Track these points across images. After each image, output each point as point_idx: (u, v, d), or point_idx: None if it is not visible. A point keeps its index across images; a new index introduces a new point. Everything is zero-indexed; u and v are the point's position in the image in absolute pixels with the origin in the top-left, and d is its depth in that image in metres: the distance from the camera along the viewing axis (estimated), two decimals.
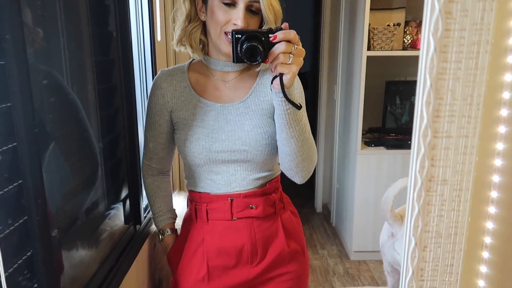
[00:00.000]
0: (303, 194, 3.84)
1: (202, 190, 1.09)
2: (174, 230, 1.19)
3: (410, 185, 0.45)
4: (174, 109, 1.09)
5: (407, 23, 2.75)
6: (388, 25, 2.67)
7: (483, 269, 0.47)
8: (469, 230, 0.46)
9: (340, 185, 3.19)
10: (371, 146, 2.75)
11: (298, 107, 0.91)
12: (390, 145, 2.70)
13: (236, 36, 0.87)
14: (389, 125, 2.79)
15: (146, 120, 1.14)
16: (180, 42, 1.07)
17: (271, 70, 0.87)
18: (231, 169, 1.06)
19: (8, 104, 0.76)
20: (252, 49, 0.84)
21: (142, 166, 1.20)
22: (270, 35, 0.86)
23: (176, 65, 1.15)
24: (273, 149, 1.05)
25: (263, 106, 1.06)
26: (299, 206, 3.67)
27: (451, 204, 0.45)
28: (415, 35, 2.77)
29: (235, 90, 1.07)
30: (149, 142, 1.15)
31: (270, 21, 0.96)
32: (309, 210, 3.65)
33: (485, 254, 0.47)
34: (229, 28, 0.95)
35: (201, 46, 1.07)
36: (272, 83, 0.89)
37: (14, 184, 0.79)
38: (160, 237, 1.19)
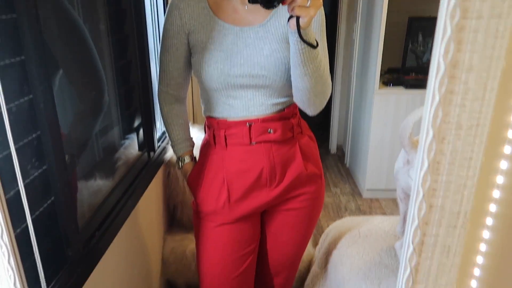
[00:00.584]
0: (317, 136, 3.81)
1: (220, 116, 1.08)
2: (193, 158, 1.20)
3: (432, 72, 0.42)
4: (191, 31, 1.05)
5: None
6: None
7: (504, 165, 0.45)
8: (492, 124, 0.43)
9: (356, 125, 3.15)
10: (390, 85, 2.67)
11: (314, 46, 0.89)
12: (410, 85, 2.62)
13: None
14: (410, 64, 2.69)
15: (162, 43, 1.11)
16: None
17: (288, 10, 0.83)
18: (249, 94, 1.05)
19: (14, 16, 0.73)
20: None
21: (158, 94, 1.18)
22: None
23: None
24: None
25: (283, 31, 1.02)
26: None
27: (475, 93, 0.42)
28: None
29: (255, 13, 1.03)
30: (165, 67, 1.12)
31: None
32: (323, 151, 3.64)
33: (507, 149, 0.44)
34: None
35: None
36: (288, 21, 0.86)
37: (25, 98, 0.78)
38: (180, 164, 1.19)
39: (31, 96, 0.79)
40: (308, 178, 1.12)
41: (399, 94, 2.63)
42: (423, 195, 0.44)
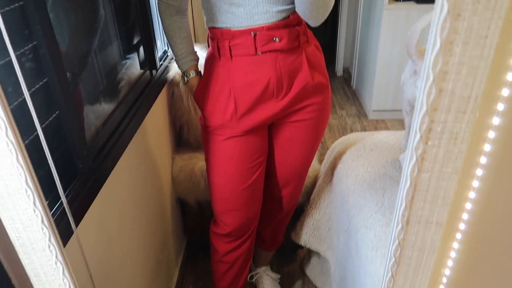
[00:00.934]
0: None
1: (223, 26, 1.04)
2: (198, 72, 1.18)
3: None
4: None
5: None
6: None
7: None
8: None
9: (364, 45, 3.05)
10: (400, 0, 2.54)
11: None
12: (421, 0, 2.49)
13: None
14: None
15: None
16: None
17: None
18: (252, 1, 1.00)
19: None
20: None
21: (158, 5, 1.13)
22: None
23: None
24: None
25: None
26: None
27: None
28: None
29: None
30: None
31: None
32: (330, 74, 3.57)
33: None
34: None
35: None
36: None
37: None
38: (185, 79, 1.17)
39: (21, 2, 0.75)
40: (315, 88, 1.11)
41: (409, 9, 2.51)
42: (433, 79, 0.43)
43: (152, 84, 1.38)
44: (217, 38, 1.06)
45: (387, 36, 2.58)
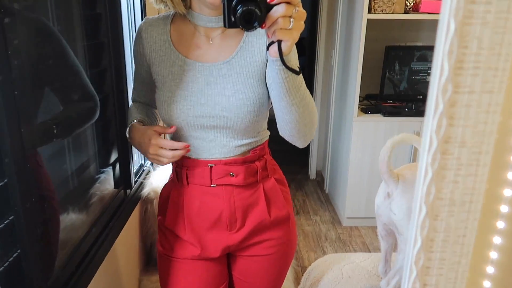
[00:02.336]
0: (297, 161, 3.82)
1: None
2: (140, 122, 1.07)
3: (424, 148, 0.40)
4: (152, 64, 1.01)
5: None
6: None
7: (497, 240, 0.43)
8: (485, 198, 0.42)
9: (335, 151, 3.16)
10: (368, 113, 2.70)
11: (298, 73, 0.82)
12: (387, 112, 2.65)
13: None
14: (387, 91, 2.73)
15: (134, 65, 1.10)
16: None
17: (268, 35, 0.76)
18: (210, 135, 0.99)
19: None
20: (248, 13, 0.72)
21: (131, 99, 1.15)
22: None
23: (163, 14, 1.04)
24: (257, 116, 0.97)
25: (249, 68, 0.96)
26: (293, 173, 3.65)
27: (468, 169, 0.40)
28: None
29: (220, 48, 0.98)
30: (136, 84, 1.12)
31: None
32: (303, 177, 3.64)
33: (500, 224, 0.43)
34: None
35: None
36: (268, 49, 0.78)
37: None
38: (127, 133, 1.06)
39: None
40: (273, 224, 1.06)
41: (377, 121, 2.66)
42: (417, 274, 0.42)
43: (125, 203, 1.34)
44: (176, 163, 1.05)
45: (357, 145, 2.69)
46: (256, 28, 0.74)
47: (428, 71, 2.66)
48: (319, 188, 3.47)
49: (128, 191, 1.40)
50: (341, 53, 3.06)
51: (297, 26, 0.74)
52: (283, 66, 0.78)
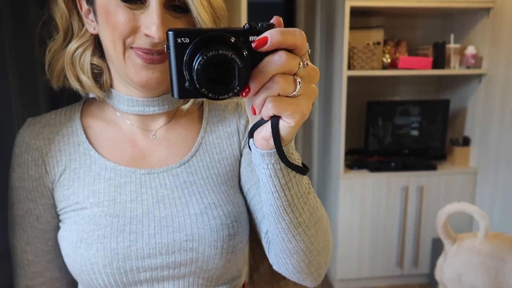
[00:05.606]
0: None
1: None
2: None
3: None
4: (58, 185, 0.63)
5: (385, 42, 2.69)
6: (368, 44, 2.58)
7: None
8: None
9: None
10: (354, 169, 2.63)
11: (304, 171, 0.49)
12: (374, 168, 2.59)
13: (179, 40, 0.40)
14: (372, 147, 2.69)
15: (9, 214, 0.66)
16: (58, 77, 0.64)
17: (252, 109, 0.43)
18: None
19: None
20: (220, 64, 0.39)
21: None
22: (251, 37, 0.40)
23: (58, 110, 0.69)
24: (240, 243, 0.64)
25: (219, 169, 0.66)
26: None
27: None
28: (394, 54, 2.71)
29: (169, 144, 0.66)
30: (21, 257, 0.64)
31: (206, 24, 0.56)
32: None
33: None
34: (138, 43, 0.56)
35: (97, 77, 0.65)
36: (251, 135, 0.47)
37: None
38: None
39: None
40: None
41: (364, 177, 2.58)
42: None
43: None
44: None
45: (346, 203, 2.59)
46: (234, 94, 0.40)
47: (412, 125, 2.65)
48: None
49: None
50: (321, 109, 3.04)
51: (307, 92, 0.42)
52: (281, 165, 0.46)
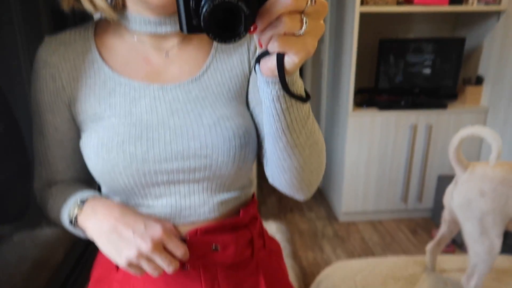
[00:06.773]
0: None
1: None
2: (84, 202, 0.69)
3: None
4: (75, 99, 0.67)
5: None
6: None
7: None
8: None
9: (329, 148, 3.10)
10: (363, 107, 2.65)
11: (305, 100, 0.51)
12: (383, 106, 2.60)
13: None
14: (382, 85, 2.68)
15: (33, 123, 0.72)
16: None
17: (259, 43, 0.45)
18: (182, 190, 0.67)
19: None
20: (226, 11, 0.39)
21: (37, 197, 0.75)
22: None
23: (73, 28, 0.71)
24: (250, 154, 0.68)
25: (229, 86, 0.69)
26: None
27: None
28: None
29: (181, 62, 0.69)
30: (43, 157, 0.71)
31: None
32: None
33: None
34: None
35: None
36: (257, 62, 0.48)
37: None
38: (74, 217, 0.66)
39: None
40: None
41: (373, 116, 2.60)
42: None
43: None
44: None
45: (354, 141, 2.63)
46: (240, 38, 0.41)
47: (424, 63, 2.61)
48: None
49: None
50: (331, 47, 2.99)
51: (314, 29, 0.42)
52: (284, 92, 0.48)
